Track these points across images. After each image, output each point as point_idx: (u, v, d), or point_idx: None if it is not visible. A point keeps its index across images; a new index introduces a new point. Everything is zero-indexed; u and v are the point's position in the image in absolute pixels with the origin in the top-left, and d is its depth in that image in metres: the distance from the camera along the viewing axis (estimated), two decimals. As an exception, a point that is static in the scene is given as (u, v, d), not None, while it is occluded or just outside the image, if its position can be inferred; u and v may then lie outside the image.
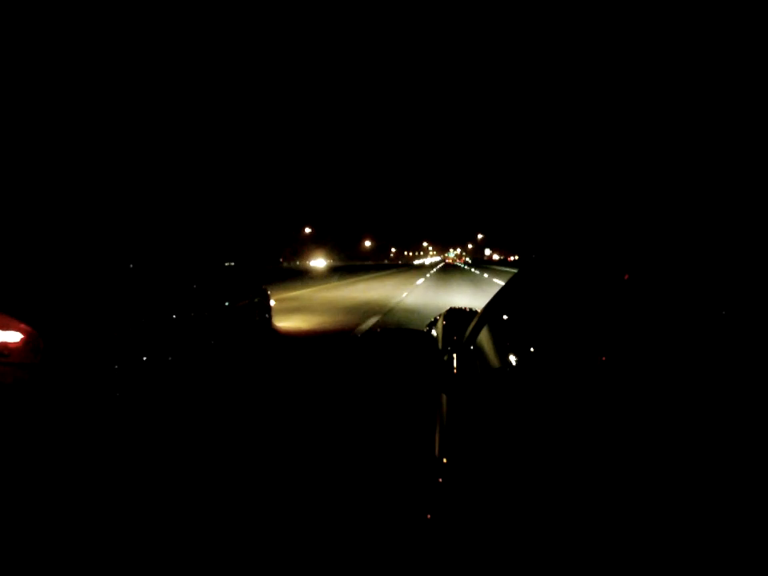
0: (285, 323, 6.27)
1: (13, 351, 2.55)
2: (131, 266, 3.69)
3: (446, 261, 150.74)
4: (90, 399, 2.79)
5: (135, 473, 2.06)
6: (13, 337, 2.54)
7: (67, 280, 3.23)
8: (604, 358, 0.65)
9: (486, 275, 24.90)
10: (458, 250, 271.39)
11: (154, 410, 2.91)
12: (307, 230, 62.21)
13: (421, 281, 18.25)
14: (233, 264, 5.08)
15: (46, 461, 2.17)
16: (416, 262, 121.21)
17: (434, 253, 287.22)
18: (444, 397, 1.13)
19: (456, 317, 2.07)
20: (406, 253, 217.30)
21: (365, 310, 8.03)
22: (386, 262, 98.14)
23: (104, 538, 1.54)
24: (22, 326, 2.56)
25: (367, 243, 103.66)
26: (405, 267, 46.84)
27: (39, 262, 3.48)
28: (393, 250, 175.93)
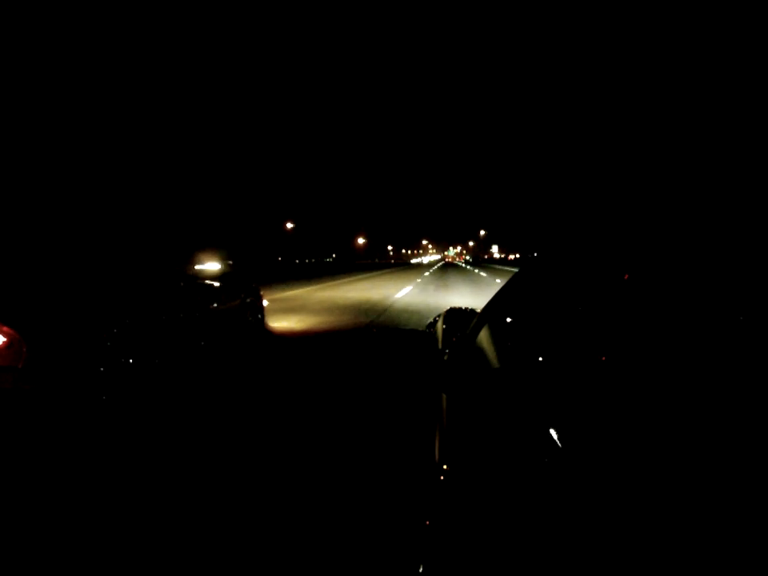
0: (278, 324, 6.25)
1: (-5, 355, 2.51)
2: (118, 267, 3.64)
3: (446, 259, 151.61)
4: (74, 403, 2.75)
5: (123, 477, 2.04)
6: (-6, 340, 2.50)
7: (51, 282, 3.19)
8: (604, 358, 0.66)
9: (483, 274, 24.89)
10: (458, 248, 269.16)
11: (143, 414, 2.88)
12: (289, 225, 56.49)
13: (407, 289, 17.09)
14: (231, 263, 5.05)
15: (31, 465, 2.15)
16: (413, 261, 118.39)
17: (434, 251, 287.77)
18: (444, 397, 1.13)
19: (456, 317, 2.08)
20: (404, 251, 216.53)
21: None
22: (376, 260, 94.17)
23: (94, 544, 1.54)
24: (5, 329, 2.52)
25: (360, 240, 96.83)
26: (398, 267, 42.74)
27: (23, 264, 3.44)
28: (390, 247, 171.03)
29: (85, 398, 2.80)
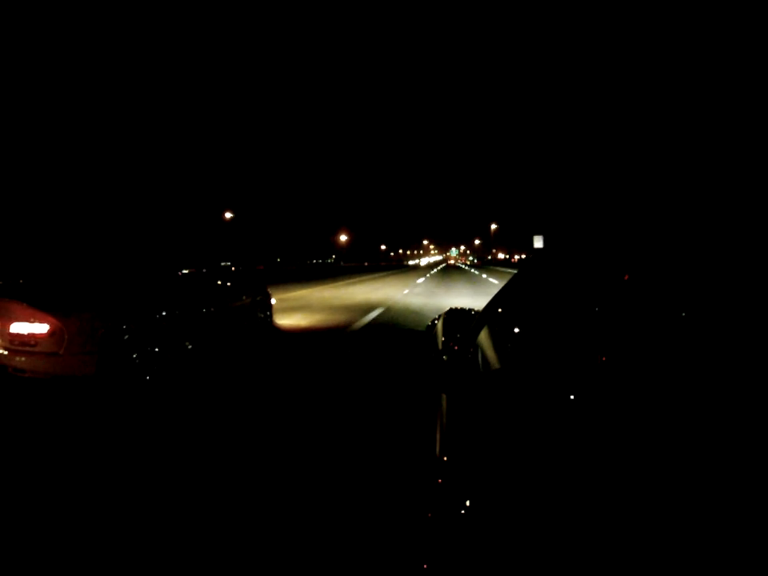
0: (284, 321, 6.58)
1: (39, 341, 2.85)
2: (146, 263, 4.02)
3: (449, 261, 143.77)
4: (107, 386, 3.09)
5: (150, 459, 2.21)
6: (40, 329, 2.84)
7: (87, 277, 3.54)
8: (604, 358, 0.68)
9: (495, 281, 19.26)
10: (462, 248, 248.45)
11: (166, 398, 3.13)
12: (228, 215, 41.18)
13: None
14: (228, 263, 5.45)
15: (68, 441, 2.38)
16: (411, 263, 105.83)
17: (436, 252, 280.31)
18: (444, 397, 1.17)
19: (456, 317, 2.16)
20: (401, 251, 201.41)
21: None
22: (342, 263, 68.39)
23: (107, 531, 1.63)
24: (49, 317, 2.86)
25: (343, 238, 75.00)
26: (379, 273, 30.95)
27: (63, 259, 3.82)
28: (383, 247, 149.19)
29: (117, 381, 3.13)
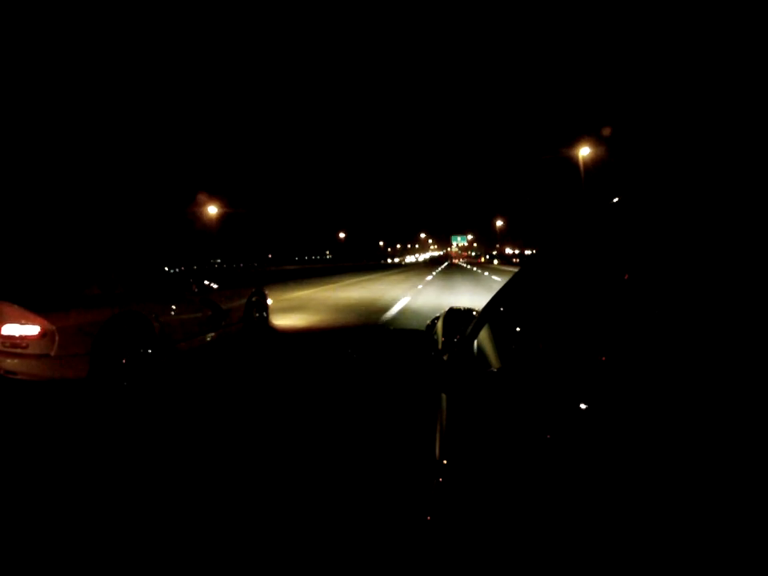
0: (281, 321, 6.63)
1: (30, 343, 2.88)
2: (138, 262, 4.06)
3: (451, 258, 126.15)
4: (98, 389, 3.13)
5: (138, 465, 2.23)
6: (30, 330, 2.88)
7: (80, 277, 3.57)
8: (604, 358, 0.68)
9: None
10: (469, 237, 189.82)
11: (158, 400, 3.17)
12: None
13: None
14: (219, 261, 5.54)
15: (56, 445, 2.41)
16: (388, 260, 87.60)
17: (435, 247, 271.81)
18: (444, 397, 1.18)
19: (456, 317, 2.19)
20: (382, 244, 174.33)
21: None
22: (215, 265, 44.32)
23: (103, 540, 1.64)
24: (39, 319, 2.89)
25: (212, 211, 33.38)
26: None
27: (54, 260, 3.86)
28: (342, 235, 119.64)
29: (108, 384, 3.18)
